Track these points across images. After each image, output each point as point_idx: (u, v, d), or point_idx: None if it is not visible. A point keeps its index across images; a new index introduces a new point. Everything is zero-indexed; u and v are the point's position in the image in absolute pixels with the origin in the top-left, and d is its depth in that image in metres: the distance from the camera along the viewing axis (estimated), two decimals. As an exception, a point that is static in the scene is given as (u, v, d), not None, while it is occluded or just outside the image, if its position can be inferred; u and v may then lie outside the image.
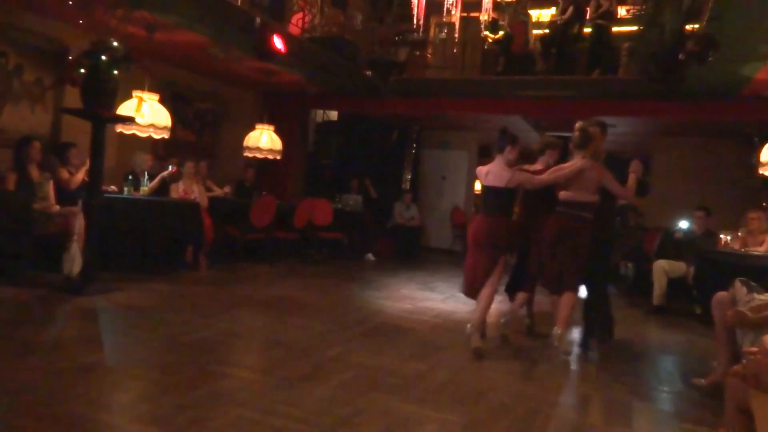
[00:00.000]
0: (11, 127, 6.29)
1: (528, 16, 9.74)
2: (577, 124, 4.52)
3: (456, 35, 8.84)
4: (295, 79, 8.88)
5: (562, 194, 4.40)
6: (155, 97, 6.55)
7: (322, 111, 12.14)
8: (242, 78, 9.04)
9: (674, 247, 6.96)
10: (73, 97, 5.62)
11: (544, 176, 4.49)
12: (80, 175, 6.01)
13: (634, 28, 8.79)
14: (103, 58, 4.86)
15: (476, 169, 4.60)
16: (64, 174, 5.95)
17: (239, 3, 6.53)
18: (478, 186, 5.41)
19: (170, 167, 7.02)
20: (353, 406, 2.90)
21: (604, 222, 4.59)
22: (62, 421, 2.44)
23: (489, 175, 4.35)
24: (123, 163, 7.32)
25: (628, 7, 9.54)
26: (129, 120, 5.96)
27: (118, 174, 7.05)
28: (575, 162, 4.40)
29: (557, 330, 4.23)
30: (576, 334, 4.98)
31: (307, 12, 8.39)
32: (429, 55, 10.29)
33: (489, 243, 4.30)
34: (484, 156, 11.32)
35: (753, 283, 3.21)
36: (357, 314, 5.23)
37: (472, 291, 4.43)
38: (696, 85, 7.17)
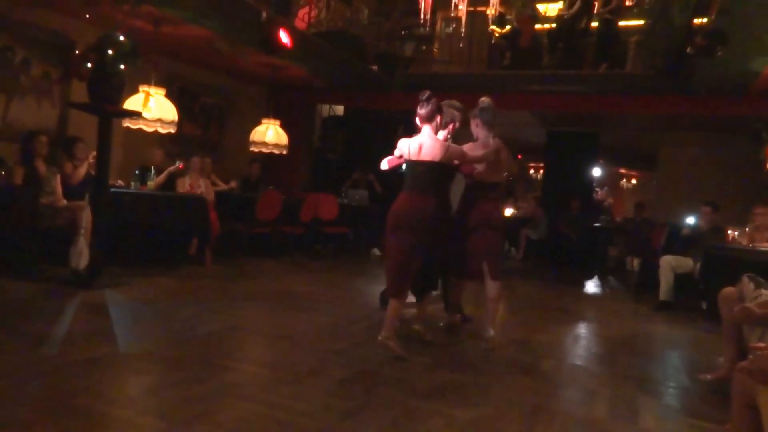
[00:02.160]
0: (18, 122, 6.33)
1: (536, 10, 9.70)
2: (484, 103, 4.30)
3: (462, 30, 8.79)
4: (301, 74, 8.88)
5: (481, 174, 4.21)
6: (162, 91, 6.56)
7: (328, 106, 12.13)
8: (248, 72, 9.05)
9: (681, 242, 6.93)
10: (79, 92, 5.64)
11: (479, 153, 4.15)
12: (83, 170, 6.03)
13: (642, 22, 8.74)
14: (110, 52, 4.87)
15: (400, 142, 3.99)
16: (68, 168, 5.98)
17: (245, -3, 6.53)
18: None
19: (177, 163, 7.04)
20: (359, 400, 2.91)
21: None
22: (70, 413, 2.46)
23: (423, 148, 3.83)
24: (130, 158, 7.34)
25: (636, 1, 9.48)
26: (136, 115, 5.98)
27: (124, 169, 7.07)
28: (490, 141, 4.22)
29: (492, 332, 4.14)
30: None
31: (313, 6, 8.38)
32: (435, 50, 10.26)
33: (417, 225, 3.77)
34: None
35: (760, 279, 3.19)
36: (363, 309, 5.24)
37: (402, 288, 3.84)
38: (704, 80, 7.13)
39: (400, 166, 4.28)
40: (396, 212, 3.86)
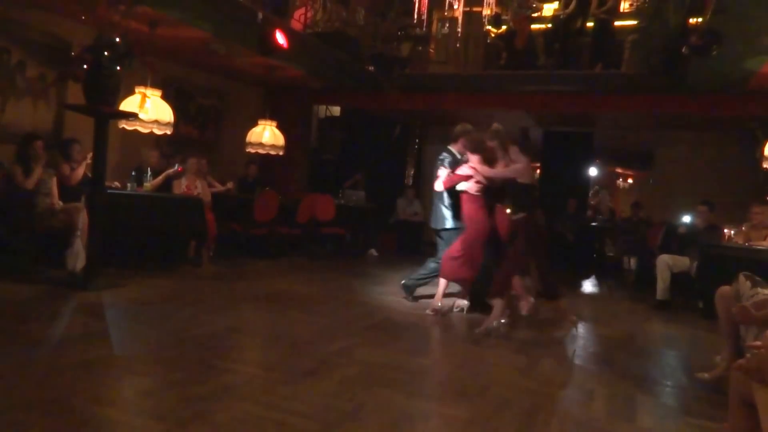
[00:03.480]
0: (14, 124, 6.30)
1: (532, 9, 9.70)
2: (495, 126, 5.01)
3: (458, 30, 8.80)
4: (297, 75, 8.86)
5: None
6: (158, 93, 6.55)
7: (324, 106, 12.13)
8: (245, 73, 9.03)
9: (678, 241, 6.95)
10: (75, 93, 5.62)
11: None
12: (80, 171, 6.02)
13: (637, 21, 8.75)
14: (106, 54, 4.86)
15: (528, 165, 4.84)
16: (65, 169, 5.97)
17: (241, -2, 6.52)
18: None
19: (176, 166, 7.03)
20: (357, 401, 2.91)
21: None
22: (67, 416, 2.45)
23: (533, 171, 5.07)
24: (126, 160, 7.32)
25: (631, 0, 9.51)
26: (132, 116, 5.96)
27: (121, 170, 7.05)
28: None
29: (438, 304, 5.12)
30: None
31: (309, 7, 8.37)
32: (431, 50, 10.25)
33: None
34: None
35: (757, 278, 3.20)
36: (360, 309, 5.24)
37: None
38: (699, 79, 7.14)
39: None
40: (521, 226, 4.72)
